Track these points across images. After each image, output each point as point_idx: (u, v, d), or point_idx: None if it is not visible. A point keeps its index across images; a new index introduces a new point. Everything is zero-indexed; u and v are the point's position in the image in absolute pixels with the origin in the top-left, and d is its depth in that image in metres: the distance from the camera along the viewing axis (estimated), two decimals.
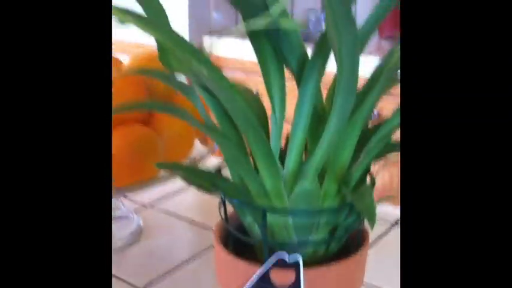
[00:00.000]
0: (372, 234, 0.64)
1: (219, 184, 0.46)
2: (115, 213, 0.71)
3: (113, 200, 0.70)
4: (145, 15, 0.43)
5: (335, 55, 0.40)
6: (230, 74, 2.09)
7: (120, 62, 0.70)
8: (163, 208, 0.78)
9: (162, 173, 0.63)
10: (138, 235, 0.70)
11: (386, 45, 1.92)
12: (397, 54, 0.43)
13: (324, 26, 2.19)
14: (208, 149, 0.70)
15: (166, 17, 0.47)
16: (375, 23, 0.45)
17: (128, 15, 0.37)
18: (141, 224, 0.72)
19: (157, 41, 0.45)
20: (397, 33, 1.93)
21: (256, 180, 0.44)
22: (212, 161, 0.74)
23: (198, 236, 0.70)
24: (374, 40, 2.02)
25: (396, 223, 0.72)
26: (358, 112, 0.42)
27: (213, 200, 0.51)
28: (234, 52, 1.99)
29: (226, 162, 0.47)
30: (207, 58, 0.42)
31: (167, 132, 0.65)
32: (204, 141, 0.71)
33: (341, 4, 0.36)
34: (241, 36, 2.02)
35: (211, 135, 0.45)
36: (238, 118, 0.43)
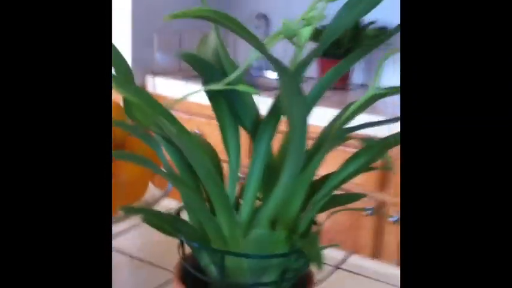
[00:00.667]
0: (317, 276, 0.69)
1: (179, 227, 0.51)
2: None
3: None
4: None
5: (287, 120, 0.46)
6: (174, 113, 2.13)
7: None
8: (114, 246, 0.81)
9: (119, 214, 0.67)
10: None
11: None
12: (350, 110, 0.49)
13: (264, 72, 2.30)
14: (162, 192, 0.74)
15: (131, 73, 0.52)
16: (320, 91, 0.51)
17: None
18: None
19: (124, 97, 0.50)
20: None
21: (214, 226, 0.49)
22: (165, 203, 0.78)
23: (148, 274, 0.74)
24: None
25: (337, 267, 0.78)
26: (308, 169, 0.48)
27: (161, 239, 0.55)
28: (177, 92, 2.04)
29: (185, 207, 0.52)
30: (172, 114, 0.47)
31: (123, 175, 0.68)
32: (158, 184, 0.75)
33: (292, 79, 0.42)
34: (184, 77, 2.07)
35: (172, 182, 0.49)
36: (199, 169, 0.48)
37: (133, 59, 2.08)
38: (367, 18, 2.04)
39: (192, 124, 1.96)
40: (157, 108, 0.45)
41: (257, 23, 2.23)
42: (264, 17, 2.28)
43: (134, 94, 0.44)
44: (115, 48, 0.50)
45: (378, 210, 1.82)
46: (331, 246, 0.52)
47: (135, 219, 0.71)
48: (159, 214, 0.52)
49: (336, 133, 0.47)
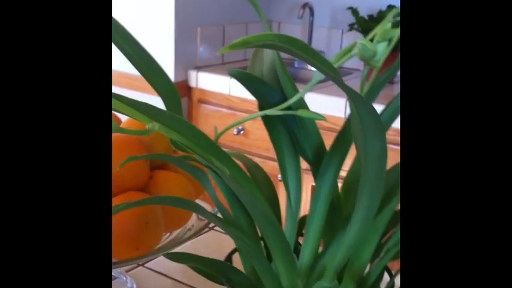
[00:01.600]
0: None
1: (230, 276, 0.44)
2: None
3: None
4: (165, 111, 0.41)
5: (360, 157, 0.39)
6: (216, 108, 2.09)
7: (119, 120, 0.68)
8: (154, 268, 0.76)
9: (160, 243, 0.61)
10: None
11: None
12: None
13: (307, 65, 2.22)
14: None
15: (178, 100, 0.45)
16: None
17: (147, 110, 0.35)
18: (134, 286, 0.70)
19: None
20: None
21: (272, 275, 0.42)
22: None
23: None
24: None
25: None
26: (384, 212, 0.40)
27: None
28: (220, 87, 1.98)
29: (238, 252, 0.45)
30: (223, 152, 0.40)
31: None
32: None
33: (370, 112, 0.34)
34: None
35: (223, 228, 0.42)
36: (253, 210, 0.41)
37: (176, 54, 2.02)
38: None
39: (236, 120, 1.90)
40: (209, 146, 0.38)
41: (301, 12, 2.14)
42: (309, 7, 2.19)
43: (184, 132, 0.37)
44: (165, 74, 0.43)
45: None
46: None
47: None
48: (207, 260, 0.45)
49: None
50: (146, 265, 0.77)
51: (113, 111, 0.62)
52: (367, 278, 0.42)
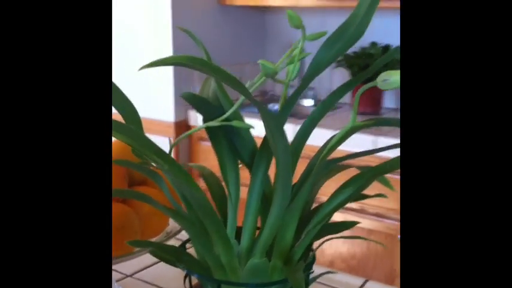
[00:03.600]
0: None
1: (183, 259, 0.54)
2: None
3: None
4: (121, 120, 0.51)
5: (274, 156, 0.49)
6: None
7: None
8: (143, 278, 0.85)
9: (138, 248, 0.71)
10: None
11: None
12: (330, 144, 0.52)
13: (300, 101, 2.35)
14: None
15: (137, 117, 0.56)
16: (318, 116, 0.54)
17: None
18: None
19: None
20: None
21: (213, 256, 0.52)
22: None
23: None
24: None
25: None
26: (296, 200, 0.50)
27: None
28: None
29: (191, 240, 0.55)
30: (164, 152, 0.51)
31: (144, 210, 0.72)
32: None
33: (275, 122, 0.45)
34: None
35: (172, 217, 0.53)
36: (194, 204, 0.51)
37: (176, 94, 2.15)
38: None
39: None
40: (150, 147, 0.49)
41: None
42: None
43: (128, 136, 0.48)
44: (119, 90, 0.54)
45: None
46: (328, 272, 0.54)
47: None
48: (165, 247, 0.55)
49: (319, 166, 0.50)
50: (135, 276, 0.86)
51: None
52: (292, 255, 0.52)
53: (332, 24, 2.39)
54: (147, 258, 0.87)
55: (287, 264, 0.52)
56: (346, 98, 2.29)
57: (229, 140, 0.56)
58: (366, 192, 0.53)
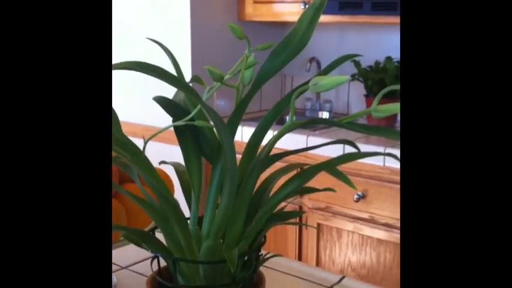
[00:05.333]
0: None
1: (148, 242, 0.61)
2: None
3: None
4: None
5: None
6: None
7: None
8: (137, 270, 0.93)
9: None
10: None
11: None
12: (268, 146, 0.58)
13: (318, 113, 2.43)
14: None
15: (115, 117, 0.63)
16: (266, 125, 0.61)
17: None
18: (116, 281, 0.87)
19: None
20: None
21: (174, 239, 0.59)
22: None
23: None
24: None
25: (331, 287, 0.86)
26: (243, 191, 0.57)
27: None
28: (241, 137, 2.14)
29: (157, 227, 0.63)
30: (130, 143, 0.58)
31: (130, 205, 0.80)
32: None
33: (223, 124, 0.52)
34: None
35: (138, 204, 0.60)
36: (156, 194, 0.58)
37: None
38: None
39: None
40: (117, 140, 0.56)
41: (309, 66, 2.36)
42: (316, 60, 2.41)
43: (117, 140, 0.56)
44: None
45: None
46: (274, 256, 0.61)
47: None
48: (136, 231, 0.63)
49: (261, 160, 0.57)
50: (130, 268, 0.94)
51: None
52: (245, 238, 0.59)
53: (349, 38, 2.44)
54: (142, 252, 0.95)
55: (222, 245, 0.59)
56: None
57: (195, 138, 0.63)
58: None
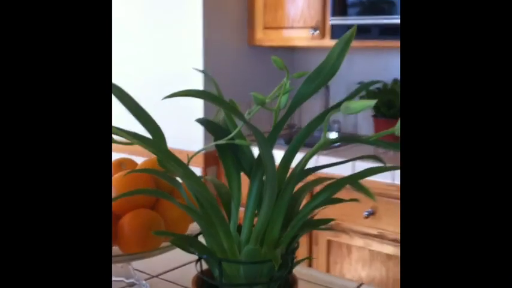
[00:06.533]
0: None
1: (194, 246, 0.69)
2: (129, 279, 0.94)
3: (129, 269, 0.93)
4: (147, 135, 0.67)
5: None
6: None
7: (136, 163, 0.96)
8: (167, 278, 1.00)
9: (163, 245, 0.86)
10: None
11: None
12: (304, 161, 0.66)
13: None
14: None
15: (162, 135, 0.72)
16: (297, 145, 0.69)
17: (135, 138, 0.62)
18: None
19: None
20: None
21: (218, 242, 0.67)
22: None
23: None
24: None
25: None
26: (281, 200, 0.65)
27: None
28: None
29: (202, 232, 0.71)
30: (180, 161, 0.66)
31: (169, 215, 0.88)
32: None
33: (266, 142, 0.60)
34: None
35: (189, 214, 0.68)
36: (204, 202, 0.66)
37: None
38: None
39: None
40: (172, 159, 0.64)
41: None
42: (325, 86, 2.50)
43: (154, 148, 0.64)
44: (147, 113, 0.70)
45: None
46: (304, 259, 0.69)
47: None
48: (181, 236, 0.71)
49: (297, 173, 0.65)
50: (160, 276, 1.01)
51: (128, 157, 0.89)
52: (281, 242, 0.67)
53: (358, 61, 2.52)
54: (171, 261, 1.03)
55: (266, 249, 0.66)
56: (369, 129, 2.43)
57: (234, 155, 0.71)
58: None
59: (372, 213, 2.03)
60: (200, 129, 2.34)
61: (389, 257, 2.02)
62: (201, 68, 2.34)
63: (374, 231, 2.05)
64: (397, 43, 2.10)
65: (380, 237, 2.04)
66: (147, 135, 0.68)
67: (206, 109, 2.34)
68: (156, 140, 0.66)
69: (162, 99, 0.57)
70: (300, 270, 1.01)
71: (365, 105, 0.58)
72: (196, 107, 2.36)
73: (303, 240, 2.20)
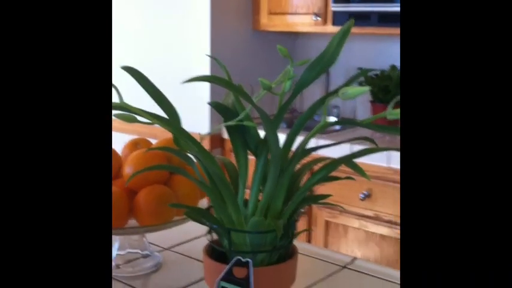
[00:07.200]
0: (326, 272, 0.95)
1: (206, 217, 0.77)
2: (144, 251, 1.01)
3: (144, 241, 1.01)
4: (165, 116, 0.75)
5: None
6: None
7: (150, 143, 1.03)
8: (178, 251, 1.08)
9: (175, 218, 0.94)
10: (158, 267, 1.00)
11: None
12: (309, 136, 0.74)
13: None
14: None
15: (178, 116, 0.79)
16: (299, 126, 0.76)
17: (155, 119, 0.69)
18: (161, 261, 1.02)
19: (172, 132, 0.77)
20: None
21: (227, 214, 0.75)
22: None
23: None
24: None
25: (344, 267, 1.02)
26: (284, 176, 0.73)
27: None
28: None
29: (212, 205, 0.78)
30: (196, 140, 0.74)
31: (180, 191, 0.96)
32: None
33: (271, 123, 0.67)
34: None
35: (201, 188, 0.75)
36: (215, 178, 0.74)
37: (212, 110, 2.39)
38: None
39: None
40: (188, 137, 0.72)
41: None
42: (326, 72, 2.57)
43: (171, 126, 0.71)
44: (165, 97, 0.77)
45: None
46: (304, 230, 0.76)
47: None
48: (194, 209, 0.78)
49: (299, 153, 0.72)
50: (172, 249, 1.09)
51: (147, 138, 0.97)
52: (283, 215, 0.74)
53: (357, 48, 2.58)
54: (182, 235, 1.11)
55: (272, 220, 0.74)
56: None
57: (242, 135, 0.78)
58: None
59: (367, 196, 2.11)
60: (206, 114, 2.41)
61: (383, 237, 2.10)
62: (208, 53, 2.41)
63: (370, 213, 2.13)
64: (394, 30, 2.16)
65: (375, 218, 2.12)
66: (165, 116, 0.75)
67: (213, 94, 2.41)
68: (173, 120, 0.74)
69: (182, 83, 0.63)
70: (299, 245, 1.08)
71: (360, 91, 0.65)
72: (204, 92, 2.43)
73: (302, 223, 2.28)
